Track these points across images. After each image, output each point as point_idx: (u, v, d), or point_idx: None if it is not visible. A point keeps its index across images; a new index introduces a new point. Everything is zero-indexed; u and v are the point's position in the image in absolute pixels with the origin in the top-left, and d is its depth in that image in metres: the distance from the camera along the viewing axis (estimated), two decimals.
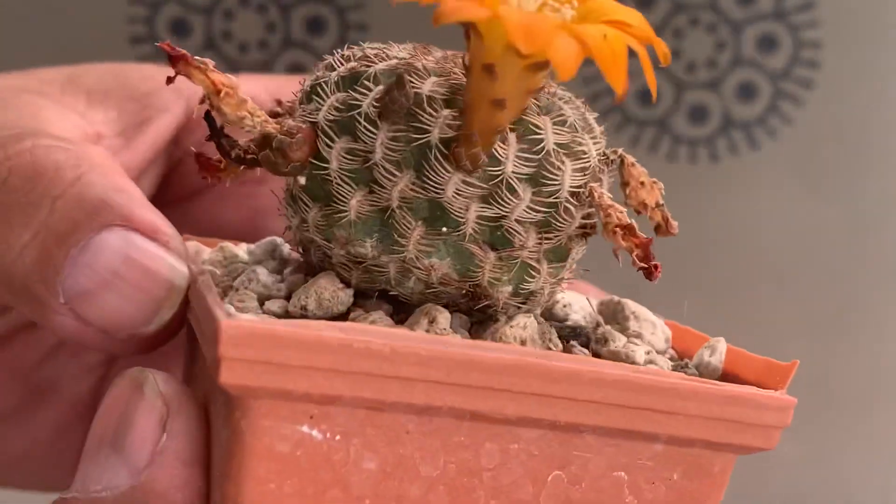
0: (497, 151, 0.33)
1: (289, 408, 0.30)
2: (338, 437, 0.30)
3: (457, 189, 0.34)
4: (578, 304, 0.41)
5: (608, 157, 0.36)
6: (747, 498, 0.66)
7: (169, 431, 0.32)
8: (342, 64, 0.36)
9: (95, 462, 0.32)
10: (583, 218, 0.36)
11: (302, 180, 0.36)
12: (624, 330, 0.38)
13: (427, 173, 0.33)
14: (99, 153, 0.38)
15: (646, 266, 0.34)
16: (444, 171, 0.33)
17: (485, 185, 0.33)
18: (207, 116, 0.36)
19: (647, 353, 0.36)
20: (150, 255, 0.36)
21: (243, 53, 0.65)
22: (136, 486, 0.32)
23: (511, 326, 0.34)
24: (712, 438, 0.33)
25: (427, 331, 0.33)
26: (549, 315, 0.40)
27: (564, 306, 0.40)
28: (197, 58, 0.33)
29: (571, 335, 0.38)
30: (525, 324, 0.34)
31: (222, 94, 0.33)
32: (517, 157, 0.34)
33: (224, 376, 0.29)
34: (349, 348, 0.29)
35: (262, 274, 0.36)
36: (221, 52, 0.66)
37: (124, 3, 0.64)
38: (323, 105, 0.35)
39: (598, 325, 0.38)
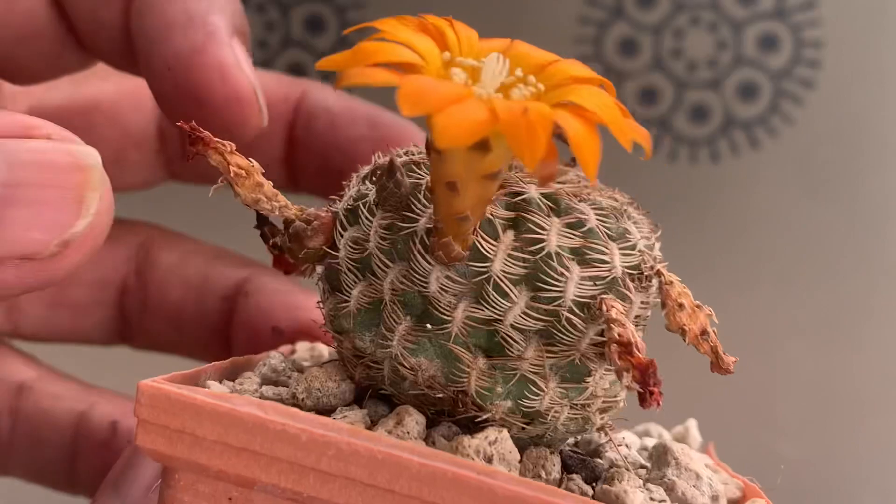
0: (482, 246, 0.31)
1: (208, 485, 0.29)
2: None
3: (441, 284, 0.31)
4: (638, 444, 0.36)
5: (642, 273, 0.32)
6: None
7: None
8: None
9: (99, 499, 0.34)
10: (599, 335, 0.32)
11: (318, 269, 0.36)
12: (661, 478, 0.33)
13: (413, 265, 0.32)
14: None
15: (640, 391, 0.29)
16: (426, 263, 0.31)
17: (468, 283, 0.31)
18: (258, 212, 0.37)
19: (661, 502, 0.31)
20: (35, 150, 0.29)
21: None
22: None
23: (474, 437, 0.30)
24: None
25: (389, 432, 0.30)
26: (586, 448, 0.35)
27: (618, 444, 0.36)
28: (217, 139, 0.34)
29: (580, 468, 0.33)
30: (495, 438, 0.30)
31: (234, 176, 0.34)
32: (509, 255, 0.31)
33: (140, 438, 0.28)
34: (264, 429, 0.28)
35: (275, 359, 0.35)
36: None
37: None
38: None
39: (630, 465, 0.33)
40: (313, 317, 0.47)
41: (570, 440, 0.35)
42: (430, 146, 0.28)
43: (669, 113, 0.64)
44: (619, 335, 0.30)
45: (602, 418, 0.35)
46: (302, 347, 0.44)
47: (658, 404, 0.29)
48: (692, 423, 0.41)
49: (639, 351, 0.29)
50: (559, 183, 0.33)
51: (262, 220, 0.37)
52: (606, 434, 0.34)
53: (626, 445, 0.36)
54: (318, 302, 0.37)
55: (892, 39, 0.63)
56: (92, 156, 0.30)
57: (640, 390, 0.29)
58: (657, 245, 0.34)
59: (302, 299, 0.48)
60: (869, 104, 0.64)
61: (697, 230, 0.65)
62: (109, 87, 0.46)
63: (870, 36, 0.63)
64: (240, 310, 0.48)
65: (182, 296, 0.47)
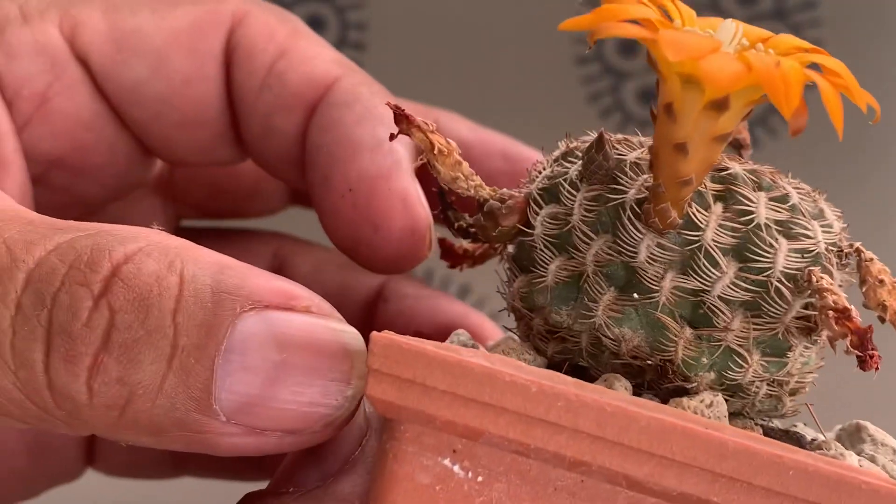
0: (696, 216, 0.32)
1: (433, 437, 0.29)
2: (480, 479, 0.29)
3: (650, 253, 0.32)
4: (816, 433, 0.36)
5: (842, 251, 0.33)
6: None
7: (363, 447, 0.33)
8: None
9: (292, 465, 0.34)
10: (804, 308, 0.32)
11: (510, 248, 0.36)
12: (858, 454, 0.33)
13: (621, 234, 0.32)
14: (167, 235, 0.33)
15: (860, 354, 0.30)
16: (636, 232, 0.32)
17: (680, 251, 0.32)
18: (440, 192, 0.38)
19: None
20: (303, 327, 0.31)
21: None
22: (321, 486, 0.33)
23: (691, 398, 0.30)
24: None
25: None
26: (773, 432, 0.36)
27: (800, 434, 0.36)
28: (420, 118, 0.35)
29: (784, 439, 0.33)
30: (711, 401, 0.30)
31: (437, 153, 0.35)
32: (720, 225, 0.32)
33: (371, 388, 0.29)
34: (494, 379, 0.28)
35: (463, 336, 0.36)
36: None
37: None
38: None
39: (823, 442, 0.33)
40: (455, 320, 0.48)
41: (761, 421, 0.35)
42: (660, 111, 0.29)
43: None
44: (835, 302, 0.30)
45: (792, 401, 0.35)
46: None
47: (877, 367, 0.30)
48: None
49: (857, 317, 0.30)
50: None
51: (446, 205, 0.38)
52: (795, 410, 0.35)
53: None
54: (499, 291, 0.37)
55: (892, 39, 0.63)
56: (356, 339, 0.31)
57: (860, 354, 0.30)
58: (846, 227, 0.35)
59: (444, 303, 0.48)
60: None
61: None
62: None
63: (870, 36, 0.63)
64: (380, 315, 0.49)
65: None
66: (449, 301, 0.48)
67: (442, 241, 0.41)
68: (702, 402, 0.30)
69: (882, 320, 0.33)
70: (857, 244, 0.33)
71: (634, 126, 0.65)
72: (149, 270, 0.31)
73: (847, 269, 0.33)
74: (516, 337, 0.36)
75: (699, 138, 0.28)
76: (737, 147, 0.40)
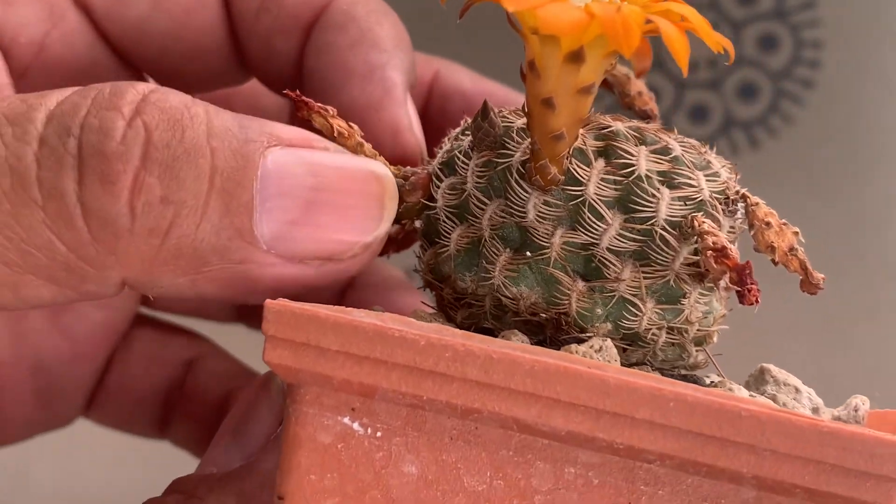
0: (578, 172, 0.33)
1: (332, 397, 0.30)
2: (379, 434, 0.30)
3: (538, 211, 0.33)
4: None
5: (727, 197, 0.34)
6: None
7: (283, 425, 0.33)
8: None
9: (216, 447, 0.35)
10: (693, 255, 0.33)
11: (417, 224, 0.38)
12: (761, 394, 0.34)
13: (511, 196, 0.33)
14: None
15: (739, 289, 0.31)
16: (523, 192, 0.33)
17: (566, 206, 0.33)
18: None
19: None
20: (330, 157, 0.31)
21: None
22: (244, 465, 0.34)
23: (580, 344, 0.31)
24: (814, 487, 0.28)
25: None
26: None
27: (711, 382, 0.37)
28: (319, 104, 0.37)
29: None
30: (600, 346, 0.31)
31: (338, 136, 0.36)
32: (602, 179, 0.33)
33: (267, 353, 0.30)
34: (384, 336, 0.29)
35: (379, 308, 0.37)
36: None
37: None
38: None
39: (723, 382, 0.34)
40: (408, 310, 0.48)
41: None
42: (526, 70, 0.30)
43: (669, 113, 0.65)
44: (714, 242, 0.31)
45: (698, 351, 0.36)
46: None
47: (757, 301, 0.30)
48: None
49: (734, 254, 0.31)
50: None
51: None
52: (706, 361, 0.35)
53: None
54: (415, 268, 0.39)
55: (892, 39, 0.64)
56: (382, 167, 0.33)
57: (739, 289, 0.31)
58: (737, 178, 0.36)
59: (401, 294, 0.48)
60: (869, 104, 0.64)
61: None
62: None
63: (870, 36, 0.64)
64: (346, 303, 0.49)
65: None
66: (408, 292, 0.48)
67: None
68: (591, 347, 0.31)
69: (774, 262, 0.34)
70: (743, 190, 0.34)
71: None
72: (176, 99, 0.31)
73: (736, 216, 0.35)
74: (429, 309, 0.38)
75: (564, 92, 0.30)
76: (644, 117, 0.41)
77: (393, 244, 0.43)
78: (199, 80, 0.41)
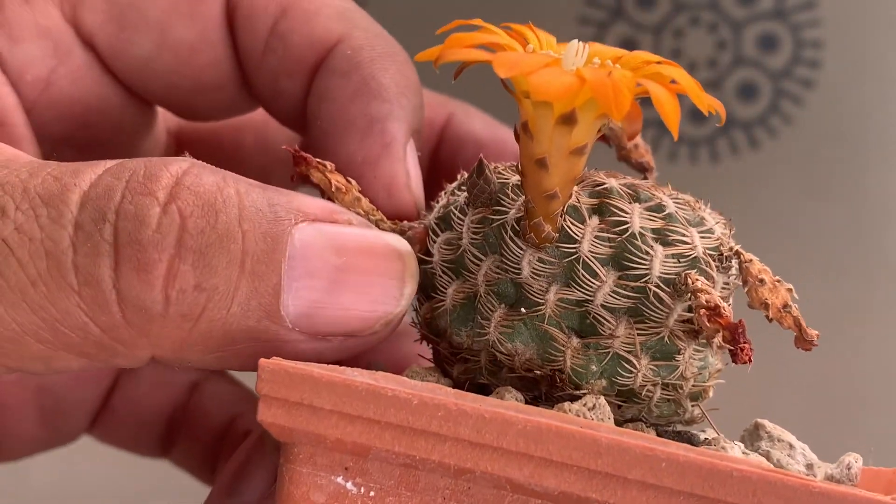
0: (571, 229, 0.33)
1: (325, 456, 0.30)
2: (372, 494, 0.30)
3: (533, 269, 0.33)
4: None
5: (721, 254, 0.34)
6: None
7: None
8: None
9: (214, 500, 0.35)
10: (688, 311, 0.33)
11: None
12: (755, 451, 0.34)
13: (505, 253, 0.34)
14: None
15: (732, 348, 0.31)
16: (517, 249, 0.33)
17: (560, 263, 0.33)
18: None
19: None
20: (354, 233, 0.32)
21: None
22: None
23: (574, 402, 0.31)
24: None
25: None
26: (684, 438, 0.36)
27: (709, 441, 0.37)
28: (318, 160, 0.37)
29: (675, 439, 0.34)
30: (594, 404, 0.31)
31: (335, 191, 0.37)
32: (596, 236, 0.33)
33: (261, 413, 0.30)
34: (377, 395, 0.30)
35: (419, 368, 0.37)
36: None
37: None
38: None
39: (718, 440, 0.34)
40: (410, 357, 0.48)
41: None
42: (520, 130, 0.31)
43: None
44: (707, 300, 0.31)
45: (693, 406, 0.36)
46: None
47: (750, 360, 0.31)
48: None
49: (728, 314, 0.31)
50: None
51: None
52: (702, 416, 0.35)
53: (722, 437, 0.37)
54: (412, 322, 0.39)
55: (892, 39, 0.64)
56: (401, 242, 0.34)
57: (732, 348, 0.31)
58: (731, 233, 0.36)
59: (401, 341, 0.48)
60: (869, 104, 0.64)
61: None
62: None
63: (870, 36, 0.64)
64: None
65: None
66: (409, 340, 0.49)
67: None
68: (584, 405, 0.32)
69: (768, 319, 0.34)
70: (737, 247, 0.35)
71: None
72: (209, 181, 0.31)
73: (731, 273, 0.35)
74: (426, 362, 0.38)
75: (557, 153, 0.30)
76: (641, 170, 0.41)
77: None
78: (208, 111, 0.42)
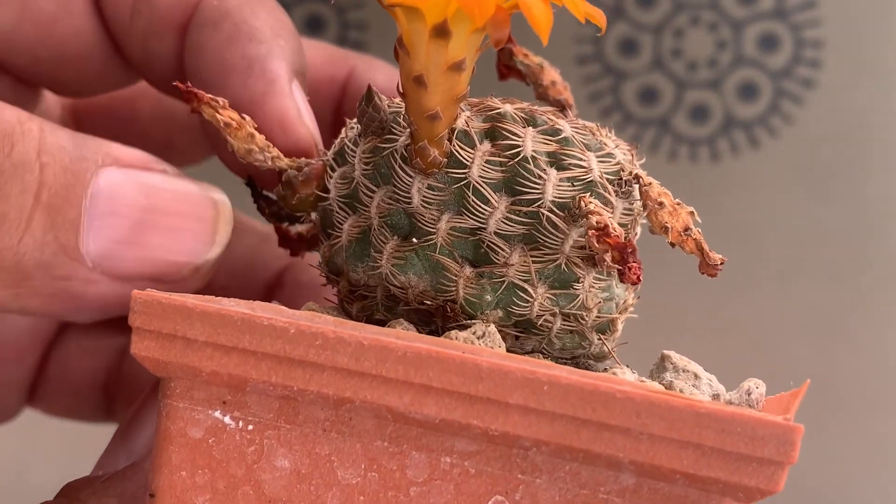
0: (461, 154, 0.32)
1: (202, 390, 0.29)
2: (251, 427, 0.29)
3: (423, 196, 0.32)
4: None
5: (620, 178, 0.33)
6: None
7: None
8: None
9: (105, 453, 0.35)
10: (582, 237, 0.32)
11: (313, 216, 0.37)
12: (659, 381, 0.33)
13: (396, 182, 0.33)
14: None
15: (620, 267, 0.30)
16: (406, 177, 0.32)
17: (450, 189, 0.32)
18: (250, 181, 0.39)
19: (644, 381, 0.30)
20: (167, 180, 0.31)
21: None
22: (129, 466, 0.33)
23: (462, 330, 0.30)
24: (694, 471, 0.27)
25: None
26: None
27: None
28: (209, 95, 0.36)
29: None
30: (483, 332, 0.30)
31: (225, 127, 0.35)
32: (487, 161, 0.32)
33: (135, 346, 0.29)
34: (253, 324, 0.28)
35: None
36: None
37: None
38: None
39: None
40: None
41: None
42: (397, 47, 0.30)
43: (669, 113, 0.65)
44: (598, 221, 0.30)
45: (599, 339, 0.35)
46: None
47: (638, 279, 0.29)
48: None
49: (617, 233, 0.30)
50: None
51: (257, 194, 0.39)
52: (607, 352, 0.34)
53: (631, 370, 0.36)
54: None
55: (893, 39, 0.64)
56: (221, 194, 0.33)
57: (620, 267, 0.30)
58: (637, 161, 0.35)
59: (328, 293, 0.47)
60: (869, 104, 0.64)
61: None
62: None
63: (870, 36, 0.64)
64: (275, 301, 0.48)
65: (226, 284, 0.45)
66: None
67: (277, 229, 0.42)
68: (473, 333, 0.30)
69: (671, 244, 0.33)
70: (636, 171, 0.33)
71: (635, 126, 0.66)
72: (9, 115, 0.30)
73: (634, 198, 0.34)
74: (329, 304, 0.37)
75: (434, 69, 0.29)
76: (558, 107, 0.40)
77: (304, 242, 0.42)
78: (80, 85, 0.41)
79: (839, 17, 0.63)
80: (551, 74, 0.40)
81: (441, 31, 0.28)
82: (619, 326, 0.36)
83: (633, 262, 0.29)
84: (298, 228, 0.42)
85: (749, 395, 0.30)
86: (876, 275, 0.65)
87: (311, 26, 0.66)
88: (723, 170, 0.65)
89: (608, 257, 0.30)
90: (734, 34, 0.64)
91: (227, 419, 0.29)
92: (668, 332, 0.62)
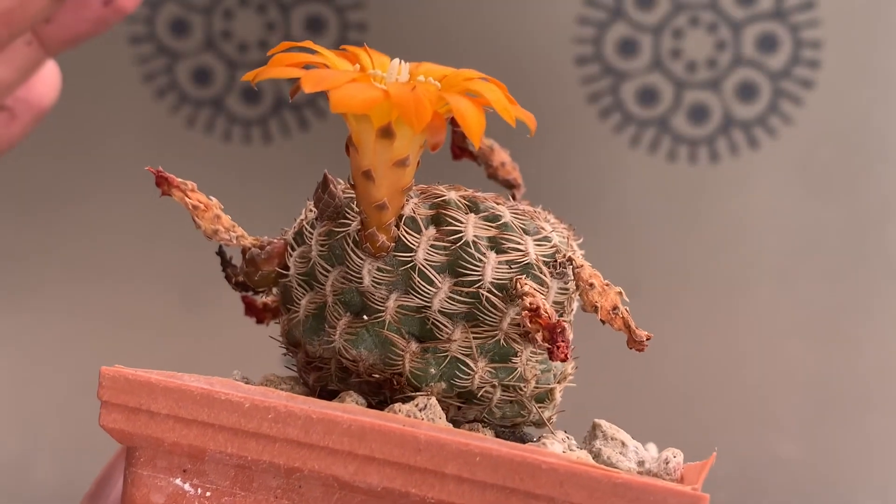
0: (407, 239, 0.35)
1: (164, 459, 0.32)
2: (209, 494, 0.31)
3: (373, 277, 0.35)
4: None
5: (555, 261, 0.36)
6: (747, 498, 0.64)
7: None
8: None
9: None
10: (518, 315, 0.35)
11: (275, 291, 0.39)
12: (589, 450, 0.35)
13: (349, 263, 0.35)
14: None
15: (549, 346, 0.32)
16: (358, 259, 0.35)
17: (397, 272, 0.35)
18: (220, 251, 0.41)
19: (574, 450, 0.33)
20: None
21: (243, 53, 0.66)
22: None
23: (405, 402, 0.33)
24: None
25: None
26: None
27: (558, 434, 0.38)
28: (180, 180, 0.39)
29: (510, 438, 0.35)
30: (424, 404, 0.33)
31: (193, 209, 0.38)
32: (431, 245, 0.35)
33: (103, 419, 0.31)
34: (211, 399, 0.31)
35: (237, 375, 0.39)
36: (221, 52, 0.65)
37: None
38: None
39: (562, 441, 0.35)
40: None
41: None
42: (348, 144, 0.32)
43: (668, 113, 0.65)
44: (530, 303, 0.33)
45: (540, 409, 0.37)
46: None
47: (566, 357, 0.32)
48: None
49: (548, 315, 0.33)
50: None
51: (225, 263, 0.41)
52: (546, 425, 0.37)
53: (568, 437, 0.38)
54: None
55: (892, 39, 0.65)
56: None
57: (549, 346, 0.32)
58: (575, 244, 0.37)
59: None
60: (868, 104, 0.65)
61: (696, 230, 0.65)
62: None
63: (869, 36, 0.64)
64: None
65: None
66: None
67: (243, 298, 0.44)
68: (415, 405, 0.33)
69: (601, 321, 0.35)
70: (570, 254, 0.36)
71: (634, 125, 0.66)
72: None
73: (565, 278, 0.36)
74: (277, 374, 0.39)
75: (381, 165, 0.32)
76: (509, 187, 0.43)
77: (269, 312, 0.44)
78: None
79: (838, 18, 0.64)
80: (501, 156, 0.43)
81: (386, 133, 0.30)
82: (558, 395, 0.38)
83: (562, 341, 0.32)
84: (264, 299, 0.44)
85: (667, 464, 0.33)
86: (875, 275, 0.65)
87: (311, 27, 0.66)
88: (722, 170, 0.65)
89: (539, 336, 0.33)
90: (733, 35, 0.65)
91: (186, 486, 0.32)
92: (668, 332, 0.64)
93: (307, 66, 0.30)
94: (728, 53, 0.65)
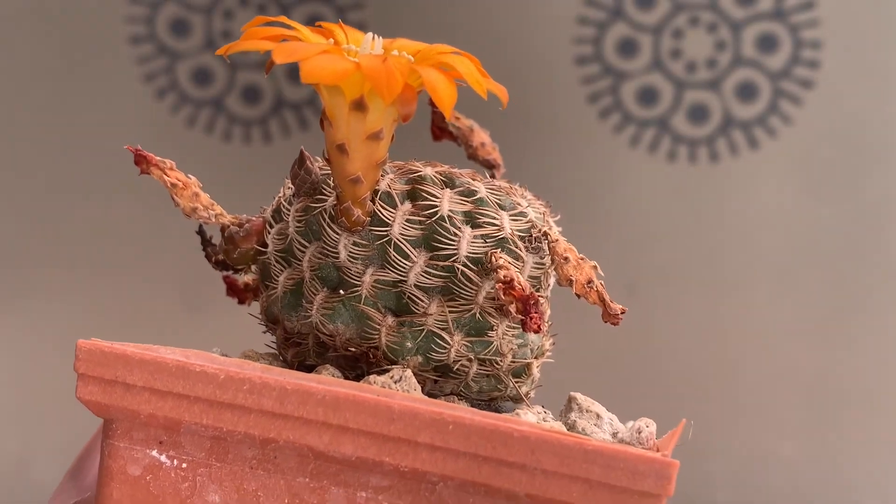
0: (383, 213, 0.35)
1: (141, 431, 0.32)
2: (184, 465, 0.32)
3: (349, 252, 0.35)
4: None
5: (531, 235, 0.36)
6: (747, 498, 0.63)
7: None
8: None
9: (57, 490, 0.37)
10: (493, 289, 0.35)
11: (253, 268, 0.40)
12: (564, 422, 0.36)
13: (325, 239, 0.36)
14: None
15: (522, 318, 0.33)
16: (334, 234, 0.35)
17: (374, 246, 0.35)
18: (200, 230, 0.42)
19: (548, 420, 0.33)
20: None
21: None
22: (80, 500, 0.36)
23: (381, 374, 0.33)
24: (582, 503, 0.29)
25: None
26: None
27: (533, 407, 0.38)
28: (158, 158, 0.39)
29: (487, 409, 0.36)
30: (400, 376, 0.33)
31: (172, 187, 0.38)
32: (407, 220, 0.35)
33: (79, 391, 0.32)
34: (186, 371, 0.31)
35: (216, 351, 0.39)
36: None
37: (124, 3, 0.65)
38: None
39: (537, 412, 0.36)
40: None
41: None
42: (322, 119, 0.33)
43: (668, 113, 0.65)
44: (504, 276, 0.33)
45: (518, 383, 0.38)
46: None
47: (538, 329, 0.32)
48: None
49: (521, 287, 0.33)
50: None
51: (206, 242, 0.42)
52: (523, 400, 0.37)
53: (545, 410, 0.39)
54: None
55: (892, 39, 0.65)
56: None
57: (522, 317, 0.33)
58: (551, 220, 0.38)
59: None
60: (868, 104, 0.65)
61: (696, 230, 0.65)
62: None
63: (869, 36, 0.64)
64: None
65: None
66: None
67: (225, 279, 0.45)
68: (391, 377, 0.33)
69: (576, 295, 0.36)
70: (546, 228, 0.37)
71: (634, 125, 0.66)
72: None
73: (541, 252, 0.37)
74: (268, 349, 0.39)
75: (354, 138, 0.32)
76: (489, 167, 0.43)
77: (251, 292, 0.45)
78: None
79: (838, 18, 0.64)
80: (481, 136, 0.43)
81: (359, 105, 0.31)
82: (535, 371, 0.38)
83: (535, 312, 0.32)
84: (245, 279, 0.44)
85: (639, 433, 0.33)
86: (874, 275, 0.66)
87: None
88: (722, 170, 0.65)
89: (513, 308, 0.33)
90: (733, 35, 0.65)
91: (163, 458, 0.32)
92: (667, 332, 0.64)
93: (283, 41, 0.30)
94: (728, 53, 0.65)
